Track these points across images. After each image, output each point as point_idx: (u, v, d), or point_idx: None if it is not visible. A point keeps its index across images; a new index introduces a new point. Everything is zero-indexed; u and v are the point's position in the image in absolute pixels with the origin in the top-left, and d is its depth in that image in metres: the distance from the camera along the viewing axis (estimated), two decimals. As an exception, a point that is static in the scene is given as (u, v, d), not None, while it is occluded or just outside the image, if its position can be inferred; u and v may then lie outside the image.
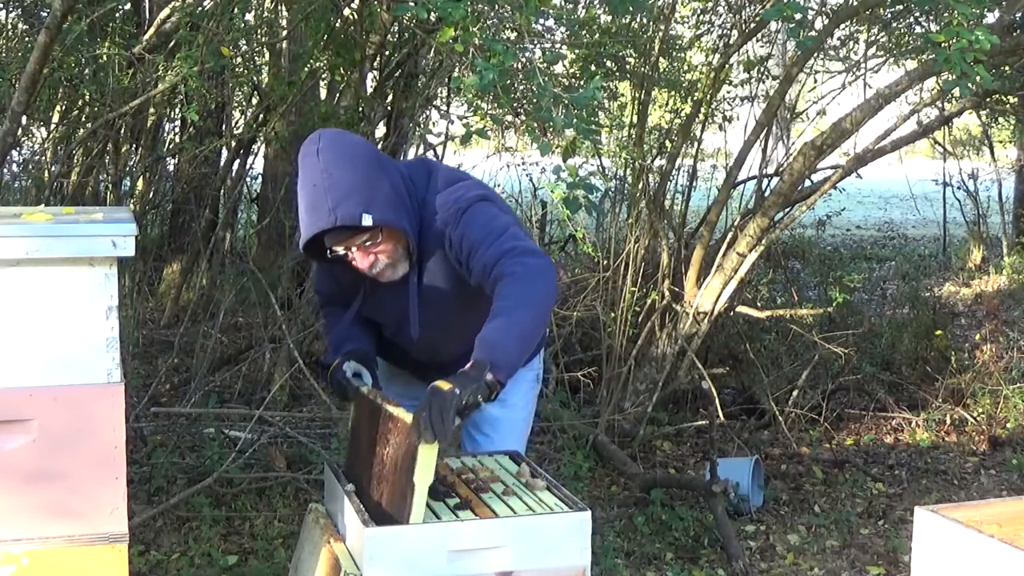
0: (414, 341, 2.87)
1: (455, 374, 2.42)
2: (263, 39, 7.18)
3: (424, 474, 2.34)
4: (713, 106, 7.51)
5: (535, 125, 4.06)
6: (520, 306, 2.51)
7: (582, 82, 6.24)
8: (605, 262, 6.29)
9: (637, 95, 6.82)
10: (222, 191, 7.81)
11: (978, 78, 4.06)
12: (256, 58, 7.44)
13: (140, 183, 7.85)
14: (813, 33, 5.63)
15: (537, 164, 7.30)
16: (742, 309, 6.24)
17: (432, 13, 3.69)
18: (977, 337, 7.84)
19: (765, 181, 6.86)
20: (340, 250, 2.69)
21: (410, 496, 2.34)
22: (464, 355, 2.51)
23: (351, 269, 2.77)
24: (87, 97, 6.54)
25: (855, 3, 6.36)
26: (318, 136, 2.68)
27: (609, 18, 6.75)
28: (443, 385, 2.37)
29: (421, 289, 2.80)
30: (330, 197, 2.57)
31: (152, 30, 6.32)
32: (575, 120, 3.64)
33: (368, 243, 2.68)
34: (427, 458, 2.34)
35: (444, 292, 2.81)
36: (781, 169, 6.91)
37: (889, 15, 7.56)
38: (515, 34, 4.04)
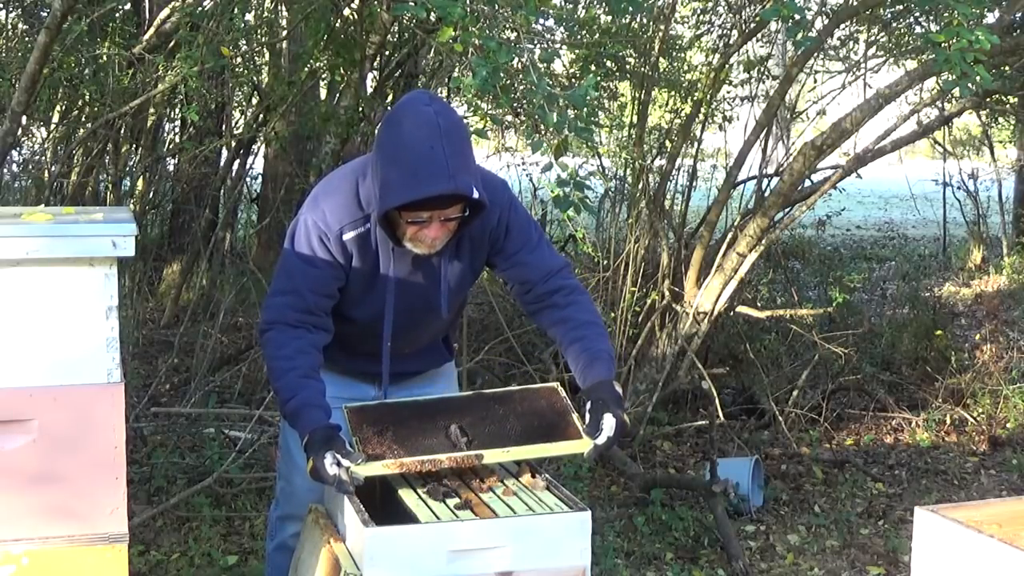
0: (442, 317, 2.82)
1: (613, 391, 2.63)
2: (263, 39, 7.18)
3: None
4: (713, 106, 7.50)
5: (530, 120, 4.05)
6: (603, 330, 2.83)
7: (582, 82, 6.23)
8: (605, 262, 6.28)
9: (637, 95, 6.81)
10: (222, 191, 7.81)
11: (978, 78, 4.07)
12: (256, 58, 7.44)
13: (140, 183, 7.84)
14: (813, 33, 5.62)
15: (537, 164, 7.29)
16: (742, 309, 6.23)
17: (431, 13, 3.69)
18: (977, 337, 7.84)
19: (765, 181, 6.85)
20: (424, 216, 2.56)
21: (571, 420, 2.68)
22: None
23: (365, 257, 2.69)
24: (87, 97, 6.53)
25: (855, 3, 6.36)
26: (428, 97, 2.59)
27: (609, 18, 6.74)
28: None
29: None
30: (451, 163, 2.48)
31: (152, 30, 6.31)
32: (569, 118, 3.63)
33: (453, 216, 2.60)
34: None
35: (462, 275, 2.82)
36: (781, 169, 6.91)
37: (889, 15, 7.57)
38: (515, 34, 4.03)
